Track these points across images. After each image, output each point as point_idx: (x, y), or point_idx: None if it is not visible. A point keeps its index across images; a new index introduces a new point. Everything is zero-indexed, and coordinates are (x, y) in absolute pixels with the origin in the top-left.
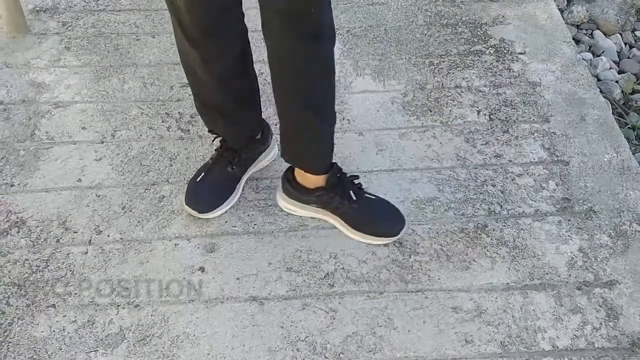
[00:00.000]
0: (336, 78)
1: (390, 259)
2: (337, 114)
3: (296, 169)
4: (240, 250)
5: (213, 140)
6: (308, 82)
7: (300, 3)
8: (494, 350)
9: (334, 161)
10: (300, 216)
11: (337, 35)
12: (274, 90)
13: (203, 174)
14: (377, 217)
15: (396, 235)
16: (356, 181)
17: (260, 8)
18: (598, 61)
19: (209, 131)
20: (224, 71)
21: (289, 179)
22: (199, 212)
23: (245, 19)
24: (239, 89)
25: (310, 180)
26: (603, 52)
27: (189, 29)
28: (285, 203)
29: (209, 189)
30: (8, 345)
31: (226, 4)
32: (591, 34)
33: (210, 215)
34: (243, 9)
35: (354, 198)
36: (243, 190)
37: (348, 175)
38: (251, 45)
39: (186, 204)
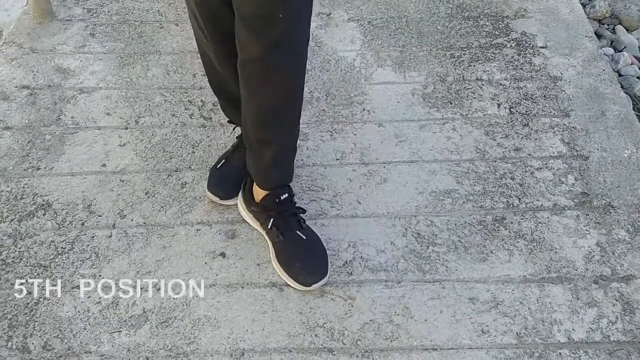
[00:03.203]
0: (357, 69)
1: (409, 249)
2: (357, 105)
3: None
4: (260, 237)
5: (234, 129)
6: (266, 91)
7: (265, 8)
8: (510, 341)
9: (289, 185)
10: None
11: (359, 26)
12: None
13: (223, 161)
14: (296, 261)
15: (307, 286)
16: (302, 215)
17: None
18: (619, 56)
19: (228, 121)
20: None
21: (246, 180)
22: (221, 198)
23: None
24: None
25: (256, 190)
26: (625, 47)
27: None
28: (238, 202)
29: (229, 176)
30: (34, 324)
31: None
32: (613, 29)
33: (231, 202)
34: None
35: (281, 231)
36: None
37: (295, 205)
38: None
39: (208, 190)
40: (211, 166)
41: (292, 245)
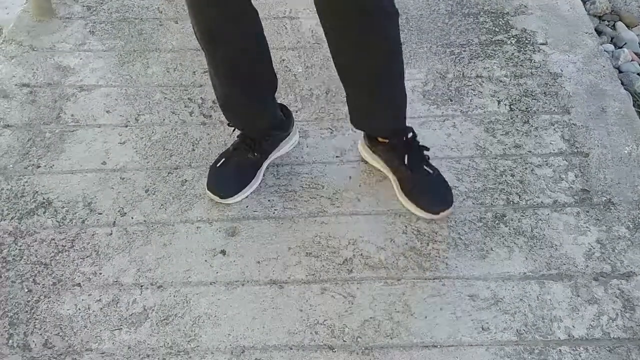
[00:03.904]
0: None
1: (409, 246)
2: None
3: None
4: (260, 235)
5: (233, 131)
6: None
7: None
8: (510, 338)
9: (409, 126)
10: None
11: None
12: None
13: (223, 159)
14: (425, 191)
15: (436, 215)
16: (425, 152)
17: None
18: (620, 53)
19: (229, 125)
20: (237, 62)
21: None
22: (221, 197)
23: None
24: (255, 76)
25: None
26: (625, 44)
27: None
28: (360, 146)
29: (229, 175)
30: (34, 322)
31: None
32: (613, 25)
33: (231, 200)
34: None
35: (411, 166)
36: (264, 176)
37: (420, 143)
38: (273, 32)
39: (208, 189)
40: (211, 164)
41: (422, 178)
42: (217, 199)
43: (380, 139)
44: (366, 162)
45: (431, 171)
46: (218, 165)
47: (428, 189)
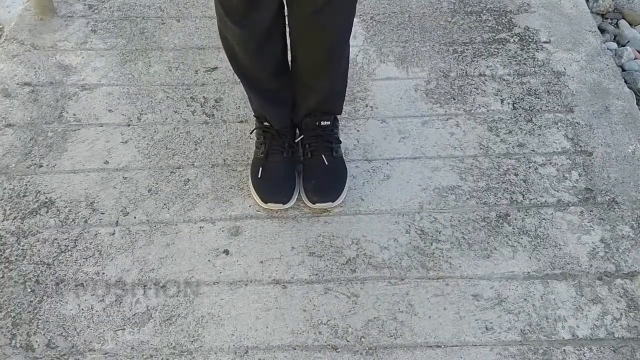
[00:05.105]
0: (360, 65)
1: (412, 245)
2: (360, 101)
3: None
4: (263, 234)
5: (251, 132)
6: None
7: None
8: (514, 338)
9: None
10: None
11: (361, 21)
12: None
13: (261, 168)
14: (312, 180)
15: (312, 204)
16: (337, 145)
17: None
18: (623, 51)
19: (255, 116)
20: (261, 39)
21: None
22: (284, 203)
23: None
24: (276, 56)
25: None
26: (628, 42)
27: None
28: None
29: (278, 180)
30: (37, 322)
31: None
32: (616, 23)
33: (291, 203)
34: None
35: (311, 150)
36: None
37: (335, 135)
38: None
39: (266, 202)
40: (214, 163)
41: (315, 165)
42: (280, 206)
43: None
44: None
45: (326, 163)
46: (260, 176)
47: (316, 176)
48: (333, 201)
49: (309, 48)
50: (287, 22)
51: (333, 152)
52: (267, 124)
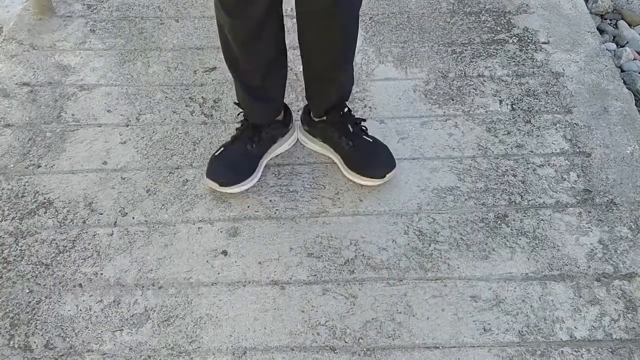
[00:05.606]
0: (358, 65)
1: (410, 246)
2: (358, 101)
3: None
4: (262, 235)
5: (237, 115)
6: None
7: None
8: (512, 339)
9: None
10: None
11: (360, 21)
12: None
13: (223, 149)
14: (367, 159)
15: (382, 178)
16: (362, 123)
17: None
18: (622, 52)
19: (235, 103)
20: (254, 32)
21: (304, 111)
22: (220, 184)
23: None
24: (268, 56)
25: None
26: (627, 42)
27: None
28: (300, 134)
29: (228, 164)
30: (36, 323)
31: None
32: (615, 24)
33: (229, 189)
34: None
35: (351, 137)
36: (265, 175)
37: (355, 116)
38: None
39: (207, 177)
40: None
41: (362, 148)
42: (216, 186)
43: (316, 119)
44: (312, 151)
45: (370, 140)
46: (217, 154)
47: (369, 157)
48: (395, 167)
49: (330, 40)
50: (297, 25)
51: (364, 130)
52: (245, 116)
